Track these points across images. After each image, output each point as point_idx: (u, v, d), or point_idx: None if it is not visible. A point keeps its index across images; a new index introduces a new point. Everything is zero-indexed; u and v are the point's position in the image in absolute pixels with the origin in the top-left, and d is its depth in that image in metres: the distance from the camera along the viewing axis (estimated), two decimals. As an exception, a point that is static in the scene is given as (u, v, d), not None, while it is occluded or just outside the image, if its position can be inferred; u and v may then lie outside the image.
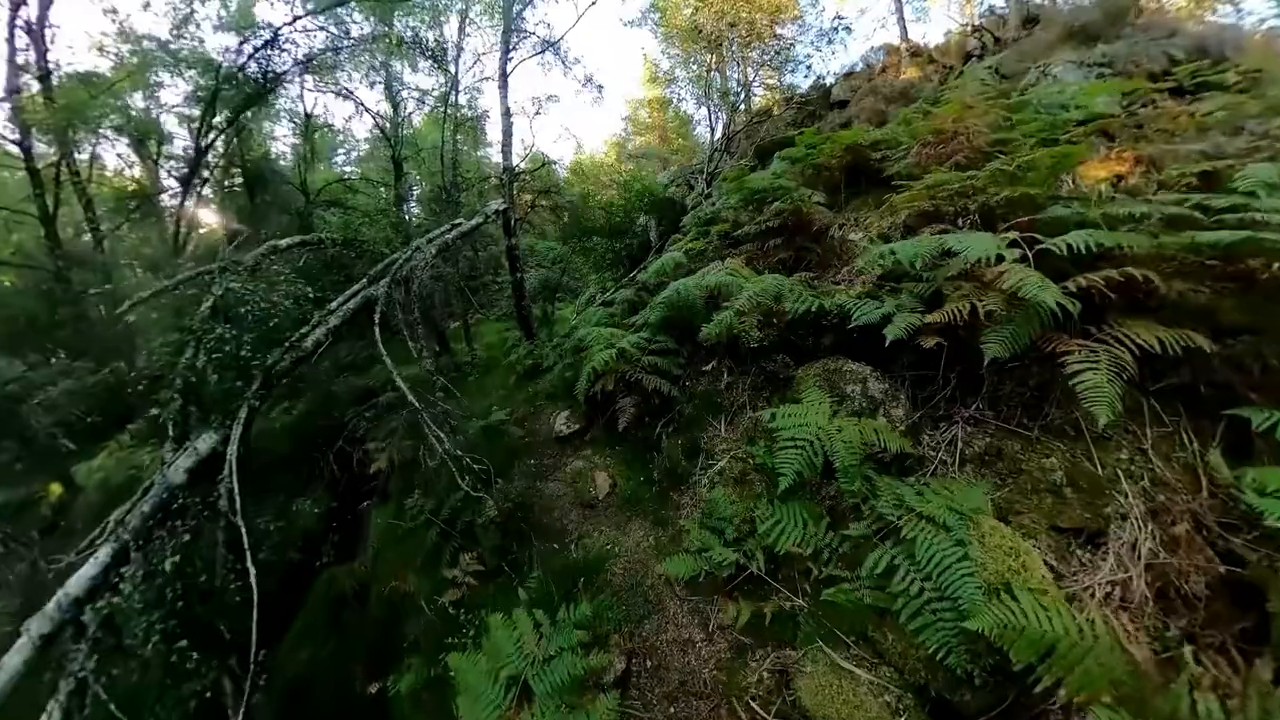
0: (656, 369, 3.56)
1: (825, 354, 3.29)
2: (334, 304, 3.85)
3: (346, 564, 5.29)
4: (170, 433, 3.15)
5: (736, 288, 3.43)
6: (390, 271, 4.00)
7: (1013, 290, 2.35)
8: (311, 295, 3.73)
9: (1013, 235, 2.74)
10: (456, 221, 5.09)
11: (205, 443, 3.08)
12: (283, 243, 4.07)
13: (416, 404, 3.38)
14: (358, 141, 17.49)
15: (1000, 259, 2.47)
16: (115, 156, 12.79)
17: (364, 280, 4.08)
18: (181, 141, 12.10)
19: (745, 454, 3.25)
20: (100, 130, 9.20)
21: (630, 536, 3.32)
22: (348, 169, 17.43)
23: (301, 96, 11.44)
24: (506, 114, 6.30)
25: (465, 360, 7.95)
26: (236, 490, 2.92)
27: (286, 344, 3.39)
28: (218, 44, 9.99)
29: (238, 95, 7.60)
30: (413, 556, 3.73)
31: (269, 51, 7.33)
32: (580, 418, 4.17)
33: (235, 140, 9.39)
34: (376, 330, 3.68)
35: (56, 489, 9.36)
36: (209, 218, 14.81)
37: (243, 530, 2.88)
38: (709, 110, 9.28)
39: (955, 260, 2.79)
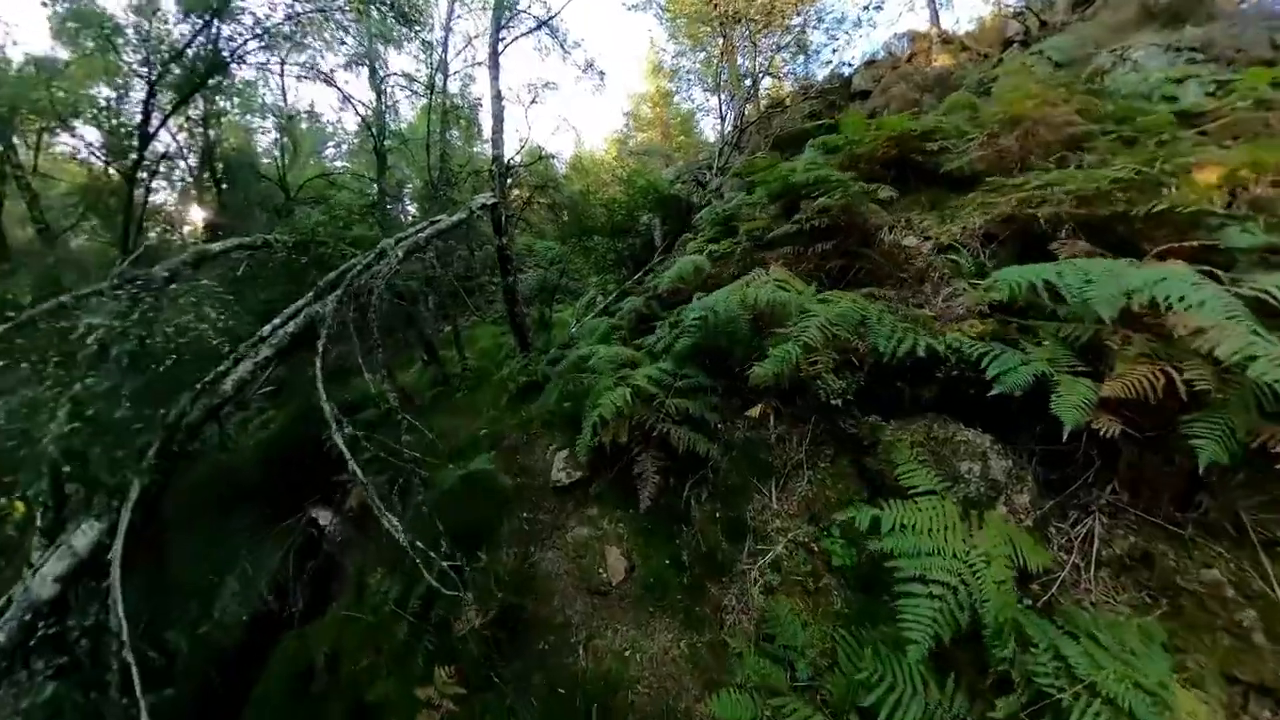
0: (686, 417, 2.67)
1: (924, 411, 2.44)
2: (267, 328, 2.90)
3: (321, 617, 4.37)
4: (39, 523, 2.25)
5: (796, 309, 2.54)
6: (344, 281, 3.05)
7: (1230, 361, 1.52)
8: (221, 323, 2.76)
9: (1180, 266, 1.93)
10: (435, 219, 4.14)
11: (85, 538, 2.15)
12: (214, 247, 3.10)
13: (361, 475, 2.46)
14: (348, 135, 16.27)
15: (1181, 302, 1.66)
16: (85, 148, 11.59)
17: (311, 294, 3.13)
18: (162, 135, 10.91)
19: (810, 540, 2.40)
20: (56, 119, 8.05)
21: (655, 640, 2.46)
22: (338, 164, 16.24)
23: (282, 84, 10.29)
24: (498, 98, 5.32)
25: (454, 371, 7.02)
26: (120, 606, 1.99)
27: (197, 388, 2.45)
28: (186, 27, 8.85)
29: (189, 76, 6.51)
30: (380, 654, 2.84)
31: (218, 23, 6.23)
32: (583, 464, 3.28)
33: (201, 131, 8.29)
34: (319, 361, 2.73)
35: (20, 507, 8.38)
36: (195, 215, 13.63)
37: (132, 666, 1.98)
38: (719, 100, 8.32)
39: (1104, 293, 1.93)
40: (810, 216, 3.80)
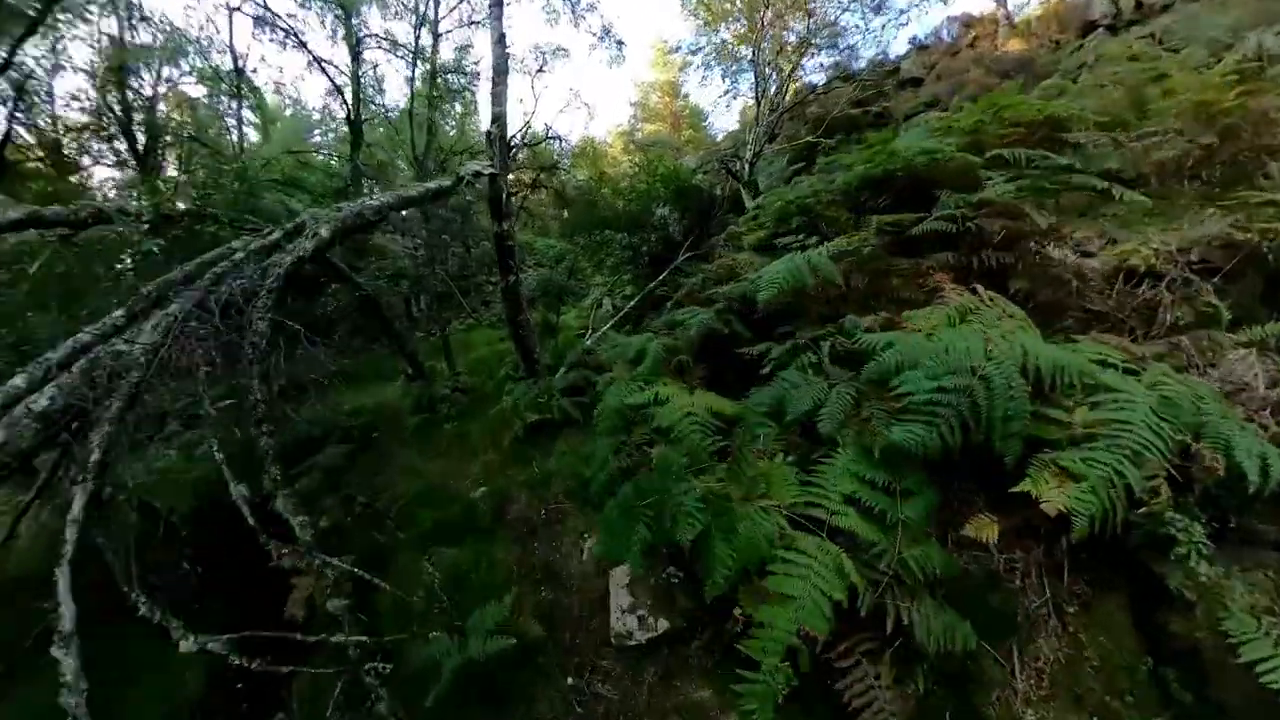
0: (927, 585, 1.38)
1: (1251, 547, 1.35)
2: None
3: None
4: None
5: (1078, 377, 1.35)
6: (201, 281, 1.49)
7: None
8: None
9: None
10: (401, 189, 2.72)
11: None
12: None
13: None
14: (337, 121, 14.00)
15: None
16: None
17: (122, 311, 1.51)
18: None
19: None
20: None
21: None
22: (324, 153, 14.08)
23: (231, 28, 8.31)
24: (500, 42, 3.89)
25: (444, 390, 5.56)
26: None
27: None
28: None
29: None
30: None
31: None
32: (666, 603, 1.97)
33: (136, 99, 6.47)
34: (79, 505, 1.18)
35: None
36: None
37: None
38: (756, 75, 7.06)
39: None
40: (967, 214, 2.61)
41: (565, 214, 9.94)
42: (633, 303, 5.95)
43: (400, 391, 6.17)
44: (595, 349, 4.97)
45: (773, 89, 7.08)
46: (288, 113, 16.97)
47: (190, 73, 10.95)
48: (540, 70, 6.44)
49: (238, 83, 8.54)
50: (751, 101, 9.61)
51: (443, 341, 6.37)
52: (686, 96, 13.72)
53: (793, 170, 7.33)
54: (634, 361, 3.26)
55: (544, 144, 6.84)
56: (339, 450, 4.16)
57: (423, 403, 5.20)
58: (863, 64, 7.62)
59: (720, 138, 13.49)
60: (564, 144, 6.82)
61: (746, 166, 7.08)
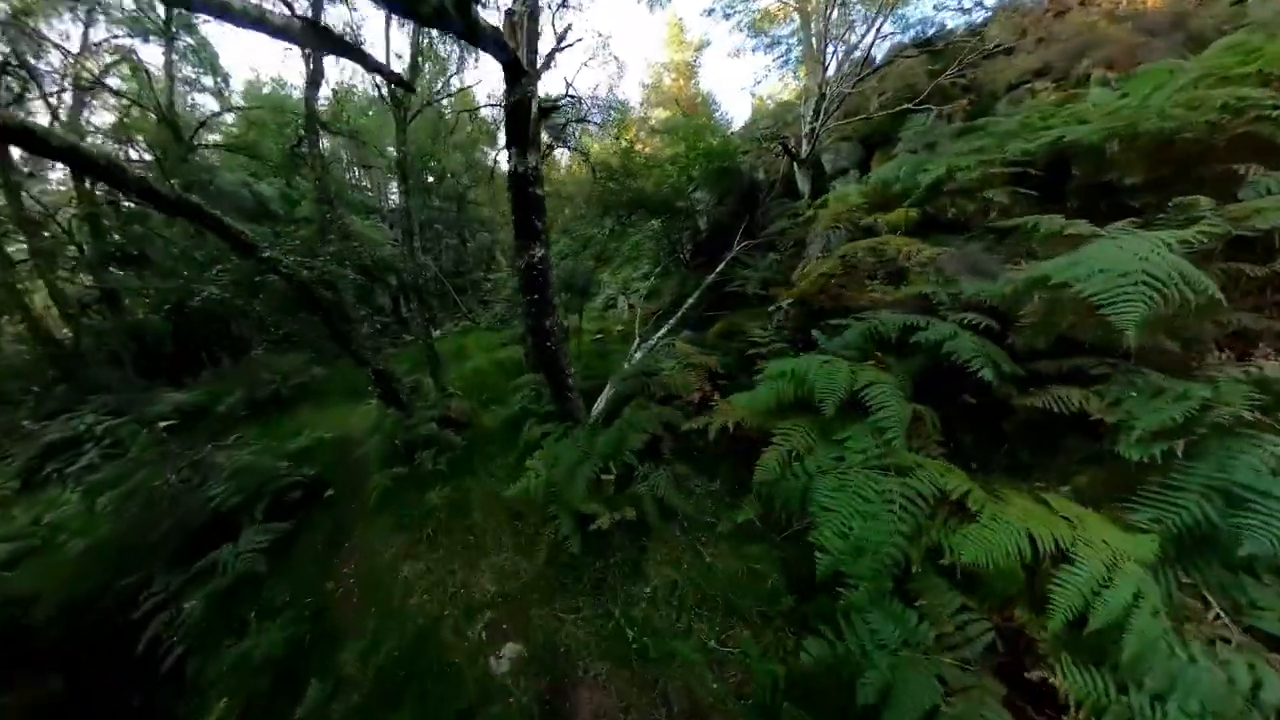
0: None
1: None
2: None
3: None
4: None
5: None
6: None
7: None
8: None
9: None
10: None
11: None
12: None
13: None
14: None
15: None
16: None
17: None
18: None
19: None
20: None
21: None
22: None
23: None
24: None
25: (428, 422, 3.87)
26: None
27: None
28: None
29: None
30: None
31: None
32: None
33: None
34: None
35: None
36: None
37: None
38: (824, 42, 5.67)
39: None
40: None
41: (567, 211, 8.28)
42: (691, 300, 4.47)
43: (372, 421, 4.44)
44: (657, 367, 3.44)
45: (840, 53, 5.75)
46: (265, 90, 14.71)
47: (123, 19, 8.79)
48: (563, 4, 4.84)
49: (167, 19, 6.52)
50: (782, 82, 8.15)
51: (429, 356, 4.66)
52: (698, 83, 12.24)
53: (864, 149, 6.01)
54: (828, 403, 1.64)
55: (561, 103, 5.23)
56: (265, 535, 2.48)
57: (399, 446, 3.51)
58: (934, 30, 6.42)
59: (732, 128, 12.10)
60: (586, 105, 5.26)
61: (806, 144, 5.69)
